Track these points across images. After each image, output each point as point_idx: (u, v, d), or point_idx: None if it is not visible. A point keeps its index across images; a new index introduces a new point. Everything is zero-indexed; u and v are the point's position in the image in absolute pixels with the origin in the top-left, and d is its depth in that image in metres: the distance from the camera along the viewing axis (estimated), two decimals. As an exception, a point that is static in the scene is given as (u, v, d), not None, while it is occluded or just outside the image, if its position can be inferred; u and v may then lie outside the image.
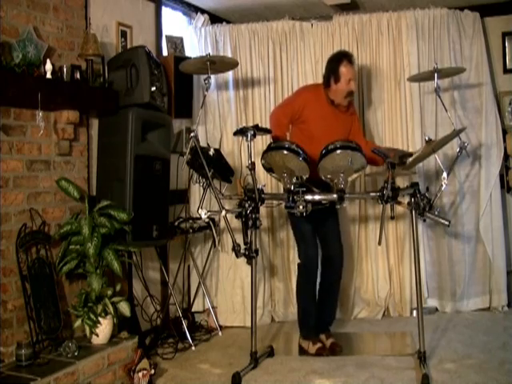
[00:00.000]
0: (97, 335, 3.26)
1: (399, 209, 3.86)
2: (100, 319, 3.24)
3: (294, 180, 3.47)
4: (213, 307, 4.58)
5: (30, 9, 3.24)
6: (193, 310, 4.63)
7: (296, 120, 3.81)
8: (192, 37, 4.78)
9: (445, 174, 3.53)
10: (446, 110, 3.88)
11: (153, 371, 3.33)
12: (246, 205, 3.49)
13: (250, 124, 4.25)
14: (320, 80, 3.98)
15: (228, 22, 5.13)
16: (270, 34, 4.75)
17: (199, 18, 4.83)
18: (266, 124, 4.11)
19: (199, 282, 4.59)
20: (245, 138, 3.44)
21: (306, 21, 4.76)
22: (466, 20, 4.64)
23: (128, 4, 4.17)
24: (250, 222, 3.47)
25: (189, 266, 4.70)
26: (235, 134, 3.57)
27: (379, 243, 3.77)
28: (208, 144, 4.30)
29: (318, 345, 3.80)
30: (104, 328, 3.27)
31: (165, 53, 4.51)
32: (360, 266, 4.72)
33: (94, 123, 3.76)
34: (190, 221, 4.27)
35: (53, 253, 3.32)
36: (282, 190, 4.09)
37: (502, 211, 4.66)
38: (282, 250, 4.73)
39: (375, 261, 4.67)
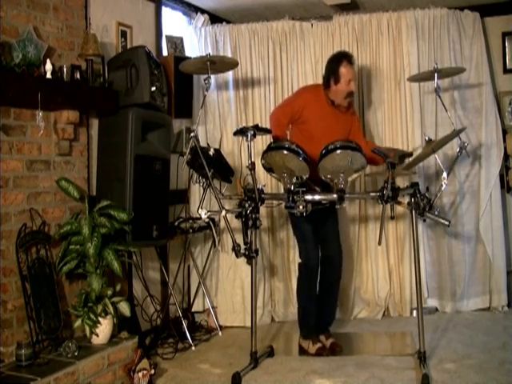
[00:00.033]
0: (97, 335, 3.26)
1: (399, 209, 3.86)
2: (100, 319, 3.24)
3: (294, 180, 3.47)
4: (213, 307, 4.58)
5: (30, 9, 3.24)
6: (193, 310, 4.63)
7: (296, 120, 3.81)
8: (192, 37, 4.78)
9: (445, 174, 3.53)
10: (446, 110, 3.88)
11: (153, 371, 3.33)
12: (246, 205, 3.49)
13: (250, 124, 4.25)
14: (320, 80, 3.98)
15: (228, 21, 5.13)
16: (270, 33, 4.75)
17: (199, 18, 4.83)
18: (266, 124, 4.12)
19: (199, 282, 4.59)
20: (245, 138, 3.44)
21: (306, 21, 4.76)
22: (465, 20, 4.64)
23: (128, 4, 4.17)
24: (250, 222, 3.47)
25: (189, 266, 4.70)
26: (235, 133, 3.57)
27: (379, 243, 3.77)
28: (208, 144, 4.30)
29: (318, 345, 3.80)
30: (104, 328, 3.27)
31: (165, 53, 4.51)
32: (360, 266, 4.72)
33: (94, 123, 3.76)
34: (190, 221, 4.27)
35: (53, 253, 3.32)
36: (282, 190, 4.09)
37: (502, 211, 4.66)
38: (281, 250, 4.73)
39: (375, 261, 4.67)
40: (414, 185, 3.51)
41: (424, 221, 3.75)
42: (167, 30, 4.64)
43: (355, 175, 3.58)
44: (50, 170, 3.36)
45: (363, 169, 3.57)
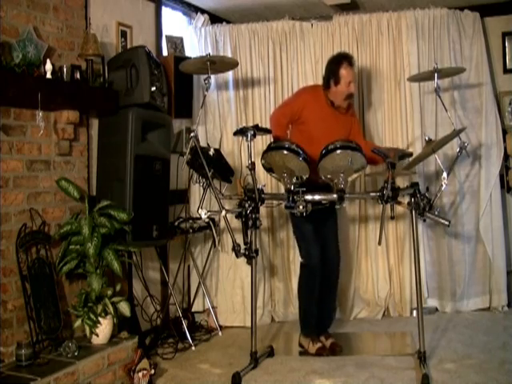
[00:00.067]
0: (97, 335, 3.26)
1: (399, 209, 3.86)
2: (100, 319, 3.24)
3: (294, 180, 3.47)
4: (213, 307, 4.58)
5: (30, 9, 3.24)
6: (193, 310, 4.63)
7: (295, 121, 3.81)
8: (192, 37, 4.78)
9: (445, 174, 3.53)
10: (446, 110, 3.88)
11: (153, 371, 3.33)
12: (246, 205, 3.49)
13: (250, 124, 4.25)
14: (320, 80, 3.98)
15: (228, 22, 5.13)
16: (270, 33, 4.75)
17: (199, 18, 4.83)
18: (266, 124, 4.12)
19: (199, 282, 4.59)
20: (245, 138, 3.44)
21: (306, 21, 4.76)
22: (466, 20, 4.64)
23: (128, 4, 4.17)
24: (250, 222, 3.48)
25: (189, 266, 4.70)
26: (235, 133, 3.57)
27: (379, 243, 3.77)
28: (208, 144, 4.30)
29: (318, 345, 3.80)
30: (104, 328, 3.27)
31: (165, 53, 4.51)
32: (360, 266, 4.72)
33: (94, 123, 3.76)
34: (190, 221, 4.27)
35: (53, 253, 3.32)
36: (282, 190, 4.09)
37: (502, 211, 4.66)
38: (281, 250, 4.73)
39: (375, 261, 4.67)
40: (414, 185, 3.51)
41: (424, 221, 3.75)
42: (167, 29, 4.64)
43: (355, 175, 3.58)
44: (49, 170, 3.36)
45: (363, 169, 3.57)
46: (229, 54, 4.68)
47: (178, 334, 4.03)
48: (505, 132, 4.78)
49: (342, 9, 4.87)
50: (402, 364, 3.54)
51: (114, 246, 3.38)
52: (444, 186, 3.55)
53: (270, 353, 3.81)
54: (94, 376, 3.10)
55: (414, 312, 4.56)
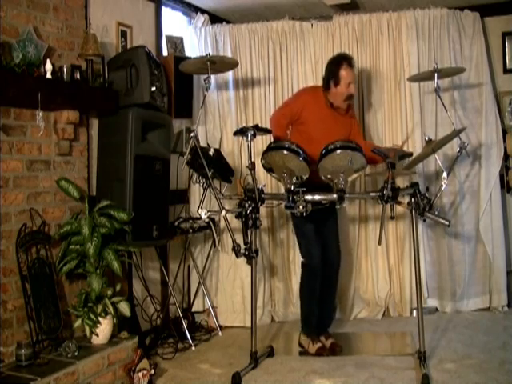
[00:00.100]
0: (97, 335, 3.26)
1: (399, 209, 3.86)
2: (100, 319, 3.24)
3: (294, 180, 3.47)
4: (213, 307, 4.58)
5: (30, 9, 3.24)
6: (193, 310, 4.63)
7: (295, 121, 3.81)
8: (192, 37, 4.77)
9: (445, 174, 3.53)
10: (446, 110, 3.88)
11: (153, 371, 3.33)
12: (246, 205, 3.49)
13: (250, 124, 4.25)
14: (320, 80, 3.98)
15: (228, 22, 5.13)
16: (270, 34, 4.75)
17: (199, 18, 4.83)
18: (266, 124, 4.12)
19: (199, 282, 4.59)
20: (245, 138, 3.44)
21: (306, 21, 4.76)
22: (466, 20, 4.64)
23: (128, 4, 4.17)
24: (250, 222, 3.48)
25: (189, 266, 4.70)
26: (235, 133, 3.57)
27: (379, 243, 3.77)
28: (208, 144, 4.30)
29: (318, 345, 3.80)
30: (104, 328, 3.27)
31: (165, 53, 4.51)
32: (360, 266, 4.72)
33: (94, 123, 3.76)
34: (190, 221, 4.27)
35: (53, 253, 3.32)
36: (282, 190, 4.09)
37: (502, 211, 4.66)
38: (281, 250, 4.73)
39: (375, 261, 4.67)
40: (414, 185, 3.51)
41: (424, 221, 3.75)
42: (167, 29, 4.64)
43: (355, 175, 3.58)
44: (49, 170, 3.36)
45: (363, 169, 3.57)
46: (229, 54, 4.68)
47: (178, 334, 4.03)
48: (505, 132, 4.78)
49: (342, 9, 4.87)
50: (401, 364, 3.54)
51: (113, 246, 3.38)
52: (444, 186, 3.55)
53: (270, 353, 3.81)
54: (94, 376, 3.10)
55: (414, 312, 4.56)
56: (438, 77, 3.71)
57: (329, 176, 3.49)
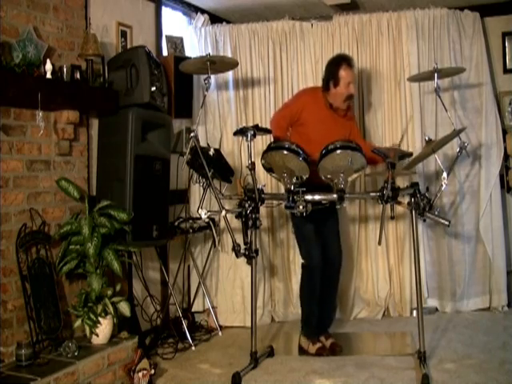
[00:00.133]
0: (97, 335, 3.26)
1: (399, 209, 3.86)
2: (100, 319, 3.24)
3: (294, 180, 3.47)
4: (213, 307, 4.58)
5: (30, 9, 3.24)
6: (193, 310, 4.63)
7: (295, 122, 3.80)
8: (192, 37, 4.78)
9: (445, 174, 3.53)
10: (446, 110, 3.88)
11: (153, 371, 3.33)
12: (246, 205, 3.49)
13: (250, 124, 4.25)
14: (320, 80, 3.98)
15: (228, 22, 5.13)
16: (270, 34, 4.75)
17: (199, 18, 4.83)
18: (266, 124, 4.12)
19: (199, 282, 4.59)
20: (245, 138, 3.44)
21: (306, 21, 4.76)
22: (466, 20, 4.64)
23: (128, 4, 4.17)
24: (250, 222, 3.48)
25: (189, 266, 4.70)
26: (235, 134, 3.57)
27: (379, 243, 3.77)
28: (208, 144, 4.30)
29: (318, 345, 3.80)
30: (104, 328, 3.27)
31: (165, 53, 4.51)
32: (360, 266, 4.72)
33: (94, 123, 3.76)
34: (190, 221, 4.27)
35: (53, 253, 3.32)
36: (282, 190, 4.09)
37: (502, 211, 4.66)
38: (281, 250, 4.73)
39: (375, 261, 4.67)
40: (414, 185, 3.51)
41: (424, 221, 3.75)
42: (167, 29, 4.64)
43: (355, 175, 3.58)
44: (50, 170, 3.36)
45: (363, 169, 3.56)
46: (229, 54, 4.68)
47: (178, 334, 4.03)
48: (505, 132, 4.79)
49: (342, 9, 4.87)
50: (402, 364, 3.54)
51: (113, 246, 3.38)
52: (444, 186, 3.55)
53: (270, 353, 3.81)
54: (94, 376, 3.10)
55: (414, 312, 4.56)
56: (438, 77, 3.71)
57: (329, 176, 3.49)
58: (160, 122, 3.84)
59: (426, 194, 3.48)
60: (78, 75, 3.42)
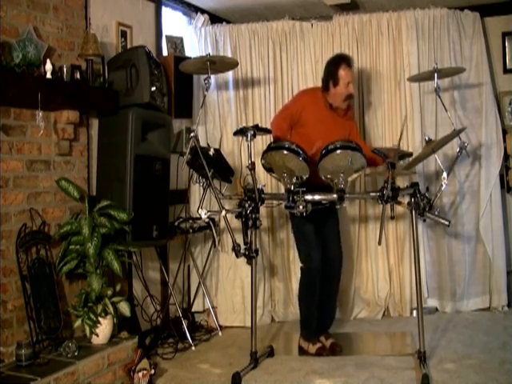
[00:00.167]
0: (97, 335, 3.26)
1: (399, 209, 3.86)
2: (100, 319, 3.24)
3: (294, 180, 3.46)
4: (213, 307, 4.58)
5: (30, 9, 3.24)
6: (193, 310, 4.63)
7: (295, 124, 3.80)
8: (192, 37, 4.77)
9: (445, 174, 3.53)
10: (446, 110, 3.88)
11: (153, 371, 3.33)
12: (246, 205, 3.49)
13: (250, 124, 4.25)
14: (320, 80, 3.98)
15: (228, 22, 5.13)
16: (270, 34, 4.75)
17: (199, 18, 4.83)
18: (266, 124, 4.12)
19: (199, 282, 4.59)
20: (245, 138, 3.44)
21: (306, 21, 4.76)
22: (465, 20, 4.64)
23: (128, 4, 4.17)
24: (250, 222, 3.47)
25: (189, 266, 4.70)
26: (235, 133, 3.57)
27: (379, 243, 3.77)
28: (208, 144, 4.30)
29: (318, 345, 3.80)
30: (104, 328, 3.27)
31: (165, 53, 4.51)
32: (360, 266, 4.72)
33: (94, 123, 3.76)
34: (190, 221, 4.27)
35: (53, 253, 3.32)
36: (282, 190, 4.09)
37: (502, 211, 4.66)
38: (281, 250, 4.73)
39: (375, 261, 4.67)
40: (414, 185, 3.51)
41: (424, 221, 3.75)
42: (167, 29, 4.64)
43: (355, 175, 3.58)
44: (50, 170, 3.36)
45: (363, 169, 3.56)
46: (229, 54, 4.68)
47: (178, 334, 4.03)
48: (505, 132, 4.78)
49: (342, 9, 4.87)
50: (402, 364, 3.54)
51: (113, 246, 3.38)
52: (444, 186, 3.56)
53: (270, 353, 3.81)
54: (94, 376, 3.10)
55: (414, 312, 4.56)
56: (438, 77, 3.71)
57: (329, 176, 3.49)
58: (160, 121, 3.84)
59: (426, 194, 3.48)
60: (77, 75, 3.42)
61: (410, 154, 3.84)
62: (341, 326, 4.39)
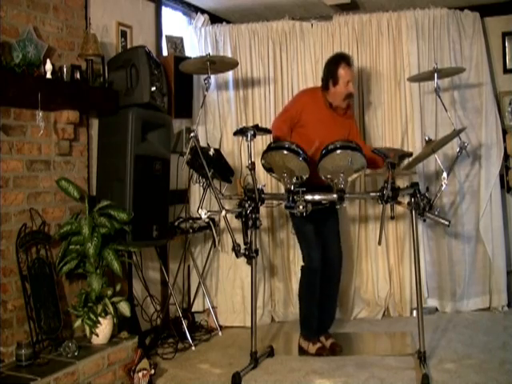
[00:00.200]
0: (97, 335, 3.26)
1: (399, 209, 3.86)
2: (100, 319, 3.24)
3: (294, 180, 3.46)
4: (213, 307, 4.58)
5: (30, 9, 3.24)
6: (193, 310, 4.63)
7: (295, 124, 3.80)
8: (192, 37, 4.77)
9: (445, 174, 3.53)
10: (446, 110, 3.88)
11: (153, 371, 3.33)
12: (246, 205, 3.49)
13: (250, 124, 4.25)
14: (320, 80, 3.98)
15: (228, 22, 5.13)
16: (270, 34, 4.75)
17: (199, 18, 4.83)
18: (266, 124, 4.12)
19: (199, 282, 4.59)
20: (245, 138, 3.44)
21: (306, 21, 4.76)
22: (465, 20, 4.64)
23: (128, 4, 4.17)
24: (250, 222, 3.47)
25: (189, 266, 4.70)
26: (235, 134, 3.56)
27: (379, 243, 3.77)
28: (208, 144, 4.30)
29: (318, 345, 3.80)
30: (104, 328, 3.27)
31: (165, 53, 4.51)
32: (360, 266, 4.72)
33: (94, 123, 3.76)
34: (190, 221, 4.27)
35: (53, 253, 3.32)
36: (282, 190, 4.09)
37: (502, 211, 4.66)
38: (281, 250, 4.73)
39: (375, 261, 4.67)
40: (414, 185, 3.51)
41: (424, 221, 3.75)
42: (167, 29, 4.64)
43: (355, 175, 3.58)
44: (50, 170, 3.36)
45: (363, 169, 3.56)
46: (229, 54, 4.68)
47: (178, 334, 4.03)
48: (505, 132, 4.78)
49: (342, 9, 4.87)
50: (402, 364, 3.54)
51: (113, 246, 3.38)
52: (444, 186, 3.55)
53: (270, 353, 3.81)
54: (94, 376, 3.10)
55: (414, 312, 4.56)
56: (438, 77, 3.71)
57: (329, 176, 3.49)
58: (160, 122, 3.84)
59: (426, 194, 3.48)
60: (78, 75, 3.42)
61: (410, 154, 3.84)
62: (341, 325, 4.39)
